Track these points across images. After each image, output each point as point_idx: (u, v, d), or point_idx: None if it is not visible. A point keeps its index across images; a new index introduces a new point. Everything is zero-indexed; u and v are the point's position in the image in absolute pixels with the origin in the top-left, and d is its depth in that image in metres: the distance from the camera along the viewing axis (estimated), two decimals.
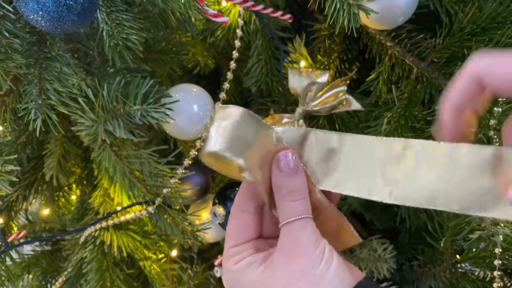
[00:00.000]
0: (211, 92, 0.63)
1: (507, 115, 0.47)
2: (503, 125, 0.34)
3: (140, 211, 0.59)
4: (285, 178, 0.37)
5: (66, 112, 0.52)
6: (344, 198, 0.73)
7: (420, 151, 0.35)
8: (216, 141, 0.35)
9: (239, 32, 0.61)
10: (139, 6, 0.56)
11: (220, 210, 0.64)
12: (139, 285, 0.78)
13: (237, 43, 0.60)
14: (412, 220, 0.74)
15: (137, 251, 0.67)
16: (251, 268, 0.37)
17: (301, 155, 0.39)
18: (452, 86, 0.34)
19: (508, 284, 0.64)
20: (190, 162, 0.59)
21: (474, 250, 0.66)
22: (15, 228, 0.75)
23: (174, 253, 0.76)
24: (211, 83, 0.81)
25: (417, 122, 0.58)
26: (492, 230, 0.52)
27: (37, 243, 0.86)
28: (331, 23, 0.47)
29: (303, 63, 0.64)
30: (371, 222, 0.79)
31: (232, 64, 0.60)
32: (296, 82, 0.59)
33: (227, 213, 0.64)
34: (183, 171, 0.58)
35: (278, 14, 0.61)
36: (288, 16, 0.62)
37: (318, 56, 0.65)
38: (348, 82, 0.58)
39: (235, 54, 0.60)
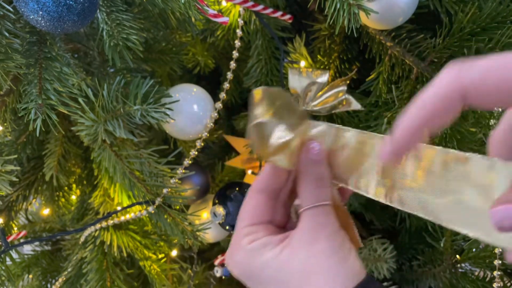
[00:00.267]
0: (211, 92, 0.63)
1: None
2: (489, 136, 0.31)
3: (140, 211, 0.59)
4: (314, 165, 0.37)
5: (66, 112, 0.52)
6: None
7: (416, 156, 0.35)
8: (266, 114, 0.36)
9: (239, 32, 0.61)
10: (139, 6, 0.56)
11: (220, 210, 0.64)
12: (139, 285, 0.78)
13: (237, 43, 0.60)
14: (412, 220, 0.74)
15: (137, 251, 0.67)
16: (267, 248, 0.36)
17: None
18: (421, 102, 0.27)
19: (508, 284, 0.64)
20: (190, 162, 0.59)
21: (474, 250, 0.66)
22: (15, 228, 0.75)
23: (174, 253, 0.76)
24: (211, 83, 0.81)
25: None
26: None
27: (37, 243, 0.86)
28: (331, 23, 0.47)
29: (303, 63, 0.64)
30: (371, 222, 0.79)
31: (232, 64, 0.60)
32: (296, 82, 0.59)
33: (227, 213, 0.64)
34: (183, 171, 0.58)
35: (278, 14, 0.61)
36: (288, 16, 0.62)
37: (318, 56, 0.65)
38: (348, 82, 0.58)
39: (235, 54, 0.60)
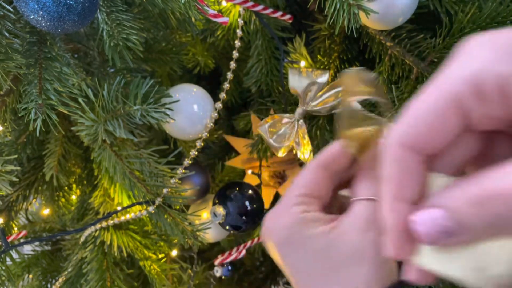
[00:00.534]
0: (211, 92, 0.63)
1: None
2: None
3: (140, 211, 0.59)
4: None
5: (66, 112, 0.52)
6: None
7: None
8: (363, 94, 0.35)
9: (239, 32, 0.61)
10: (139, 6, 0.56)
11: (220, 210, 0.64)
12: (139, 285, 0.78)
13: (237, 43, 0.60)
14: None
15: (137, 251, 0.67)
16: (317, 223, 0.35)
17: None
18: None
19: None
20: (190, 162, 0.59)
21: None
22: (15, 228, 0.75)
23: (174, 253, 0.76)
24: (211, 83, 0.81)
25: None
26: None
27: (37, 243, 0.86)
28: (331, 23, 0.47)
29: (303, 63, 0.64)
30: None
31: (232, 64, 0.60)
32: (296, 82, 0.59)
33: (227, 213, 0.64)
34: (183, 171, 0.58)
35: (278, 14, 0.61)
36: (288, 16, 0.62)
37: (318, 56, 0.65)
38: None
39: (235, 54, 0.60)
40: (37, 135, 0.49)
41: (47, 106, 0.47)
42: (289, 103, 0.67)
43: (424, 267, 0.24)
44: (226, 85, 0.60)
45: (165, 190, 0.56)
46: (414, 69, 0.57)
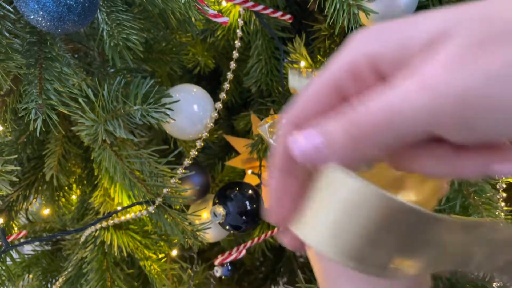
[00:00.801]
0: (211, 92, 0.63)
1: None
2: None
3: (140, 211, 0.59)
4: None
5: (66, 112, 0.52)
6: None
7: None
8: None
9: (239, 32, 0.61)
10: (139, 6, 0.56)
11: (220, 210, 0.64)
12: (139, 285, 0.78)
13: (237, 43, 0.60)
14: None
15: (137, 251, 0.67)
16: None
17: None
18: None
19: (508, 284, 0.64)
20: (190, 162, 0.59)
21: None
22: (16, 228, 0.75)
23: (174, 253, 0.76)
24: (211, 83, 0.81)
25: None
26: None
27: (37, 243, 0.86)
28: (331, 23, 0.47)
29: (303, 63, 0.64)
30: None
31: (232, 64, 0.60)
32: (296, 82, 0.59)
33: (227, 213, 0.64)
34: (183, 171, 0.58)
35: (278, 14, 0.61)
36: (288, 16, 0.62)
37: (318, 56, 0.65)
38: None
39: (235, 54, 0.60)
40: (37, 135, 0.49)
41: (47, 106, 0.47)
42: (289, 103, 0.67)
43: (297, 233, 0.24)
44: (226, 85, 0.60)
45: (165, 190, 0.56)
46: None
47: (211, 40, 0.72)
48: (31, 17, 0.43)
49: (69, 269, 0.70)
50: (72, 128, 0.58)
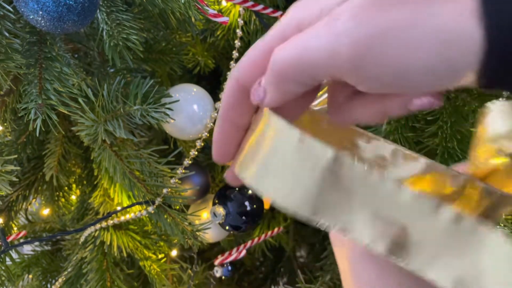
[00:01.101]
0: (211, 92, 0.63)
1: None
2: None
3: (140, 211, 0.59)
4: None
5: (66, 112, 0.52)
6: None
7: None
8: None
9: (239, 32, 0.61)
10: (139, 6, 0.56)
11: (220, 210, 0.64)
12: (139, 285, 0.78)
13: (237, 43, 0.60)
14: None
15: (137, 251, 0.67)
16: None
17: None
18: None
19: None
20: (190, 162, 0.59)
21: None
22: (15, 228, 0.75)
23: (174, 253, 0.76)
24: (211, 83, 0.81)
25: (417, 122, 0.58)
26: None
27: (37, 243, 0.86)
28: None
29: None
30: None
31: (232, 64, 0.60)
32: None
33: (227, 213, 0.64)
34: (183, 171, 0.58)
35: (278, 14, 0.61)
36: None
37: None
38: None
39: (235, 54, 0.60)
40: (37, 135, 0.49)
41: (47, 106, 0.47)
42: None
43: (235, 171, 0.26)
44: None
45: (165, 190, 0.56)
46: None
47: (211, 40, 0.72)
48: (31, 17, 0.42)
49: (69, 269, 0.70)
50: (72, 128, 0.58)
